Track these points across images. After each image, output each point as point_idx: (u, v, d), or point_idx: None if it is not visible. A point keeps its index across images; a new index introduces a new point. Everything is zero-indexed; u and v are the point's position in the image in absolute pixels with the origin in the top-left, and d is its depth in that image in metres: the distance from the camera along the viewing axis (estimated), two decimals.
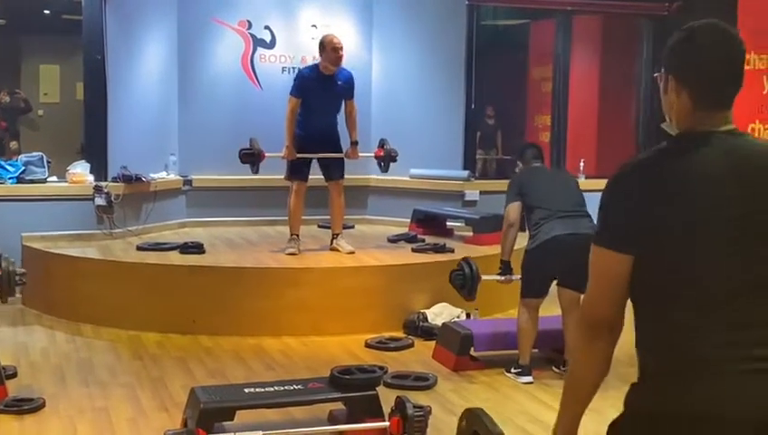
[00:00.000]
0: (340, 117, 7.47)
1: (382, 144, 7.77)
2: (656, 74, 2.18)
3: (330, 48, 7.19)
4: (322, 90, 7.24)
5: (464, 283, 6.10)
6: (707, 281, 1.96)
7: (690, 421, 1.94)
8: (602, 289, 2.07)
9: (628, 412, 2.06)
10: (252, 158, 7.44)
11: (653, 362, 2.02)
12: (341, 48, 7.24)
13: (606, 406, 2.10)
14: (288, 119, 7.24)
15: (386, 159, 7.73)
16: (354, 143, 7.45)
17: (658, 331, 2.01)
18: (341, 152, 7.47)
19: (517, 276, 5.89)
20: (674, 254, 1.97)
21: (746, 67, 7.22)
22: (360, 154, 7.59)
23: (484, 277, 6.09)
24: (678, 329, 1.97)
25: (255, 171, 7.52)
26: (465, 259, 6.23)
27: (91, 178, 7.94)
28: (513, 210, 5.75)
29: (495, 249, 6.57)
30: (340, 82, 7.31)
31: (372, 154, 7.87)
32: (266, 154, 7.44)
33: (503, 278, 6.05)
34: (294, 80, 7.42)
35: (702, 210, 1.96)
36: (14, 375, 5.54)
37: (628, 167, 2.09)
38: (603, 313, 2.06)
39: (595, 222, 2.17)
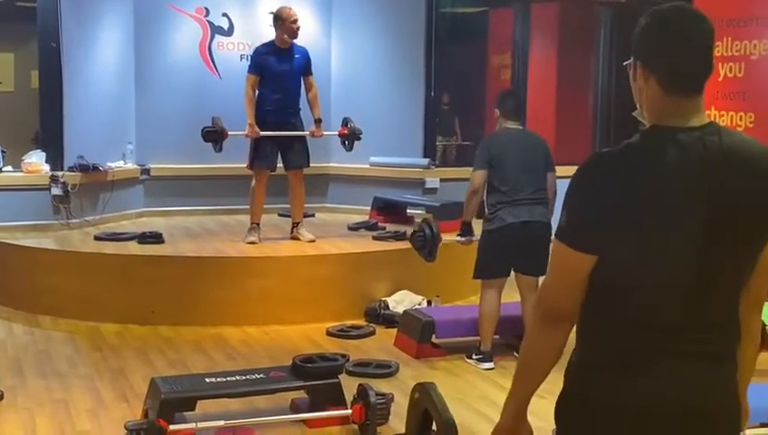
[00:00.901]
0: (303, 103, 7.42)
1: (346, 122, 7.72)
2: (625, 63, 2.12)
3: (289, 21, 7.19)
4: (279, 64, 7.21)
5: (424, 244, 6.04)
6: (662, 283, 1.98)
7: (633, 412, 1.99)
8: (562, 284, 2.05)
9: (572, 397, 2.09)
10: (215, 135, 7.36)
11: (599, 351, 2.04)
12: (298, 19, 7.27)
13: (557, 389, 2.12)
14: (247, 95, 7.19)
15: (350, 137, 7.65)
16: (318, 121, 7.41)
17: (608, 323, 2.03)
18: (305, 136, 7.43)
19: (478, 237, 5.90)
20: (633, 253, 1.97)
21: None
22: (325, 133, 7.56)
23: (445, 238, 6.06)
24: (628, 324, 2.00)
25: (219, 150, 7.43)
26: (426, 220, 6.20)
27: (47, 167, 7.84)
28: (480, 178, 5.70)
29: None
30: (297, 56, 7.29)
31: (336, 133, 7.79)
32: (229, 133, 7.36)
33: (464, 239, 6.00)
34: (251, 57, 7.41)
35: (667, 214, 1.94)
36: None
37: (595, 162, 2.04)
38: (561, 305, 2.05)
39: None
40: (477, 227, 5.97)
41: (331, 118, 8.70)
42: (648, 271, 1.98)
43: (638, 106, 2.10)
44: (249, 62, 7.41)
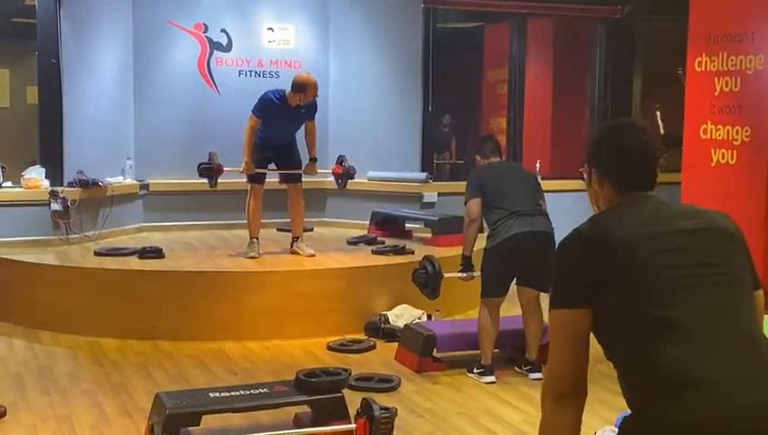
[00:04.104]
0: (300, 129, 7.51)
1: (341, 161, 7.80)
2: (581, 169, 2.40)
3: (311, 93, 7.16)
4: (285, 117, 7.26)
5: (426, 281, 6.10)
6: (661, 312, 2.06)
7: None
8: (566, 350, 2.13)
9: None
10: (210, 172, 7.43)
11: (644, 394, 2.06)
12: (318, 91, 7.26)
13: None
14: (247, 135, 7.22)
15: (344, 176, 7.78)
16: (313, 160, 7.49)
17: (639, 367, 2.07)
18: (300, 161, 7.52)
19: (478, 273, 5.94)
20: (623, 293, 2.08)
21: (698, 69, 7.32)
22: (319, 170, 7.64)
23: (446, 275, 6.10)
24: (652, 358, 2.04)
25: (214, 185, 7.50)
26: (428, 257, 6.23)
27: (46, 183, 7.85)
28: (475, 205, 5.78)
29: (455, 250, 6.62)
30: (303, 111, 7.30)
31: (330, 170, 7.91)
32: (225, 169, 7.44)
33: (464, 275, 6.07)
34: (260, 99, 7.26)
35: (641, 250, 2.10)
36: None
37: (575, 232, 2.23)
38: (569, 376, 2.12)
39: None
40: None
41: (328, 133, 8.80)
42: (647, 313, 2.06)
43: (593, 208, 2.36)
44: (257, 103, 7.25)
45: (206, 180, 7.54)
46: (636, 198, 2.25)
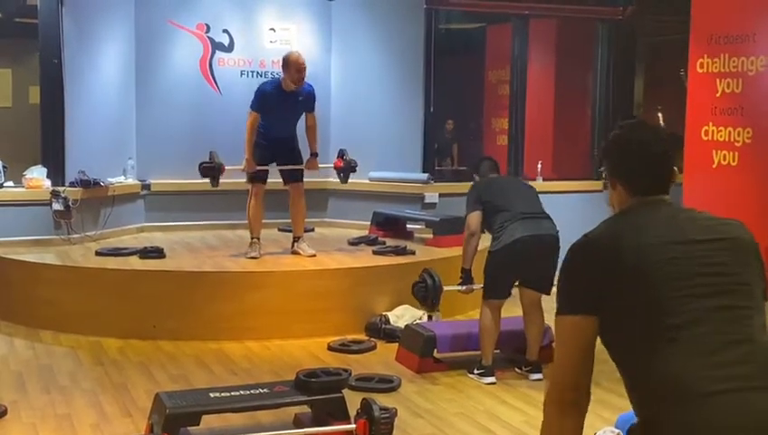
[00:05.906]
0: (301, 123, 7.49)
1: (342, 154, 7.78)
2: (601, 169, 2.37)
3: (294, 69, 7.12)
4: (283, 106, 7.24)
5: (426, 295, 6.12)
6: (672, 319, 2.05)
7: None
8: (571, 359, 2.13)
9: None
10: (212, 171, 7.40)
11: (653, 402, 2.06)
12: (305, 69, 7.17)
13: None
14: (248, 132, 7.21)
15: (345, 169, 7.76)
16: (314, 155, 7.47)
17: (648, 374, 2.06)
18: (301, 158, 7.50)
19: (478, 285, 5.94)
20: (638, 307, 2.07)
21: (700, 70, 7.29)
22: (320, 165, 7.63)
23: (446, 288, 6.11)
24: (662, 367, 2.03)
25: (215, 185, 7.48)
26: (427, 270, 6.21)
27: (48, 183, 7.86)
28: (475, 219, 5.79)
29: (456, 251, 6.62)
30: (301, 98, 7.29)
31: (332, 165, 7.90)
32: (226, 167, 7.42)
33: (464, 288, 6.10)
34: (255, 93, 7.28)
35: (654, 265, 2.08)
36: None
37: (583, 238, 2.23)
38: (573, 382, 2.12)
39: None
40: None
41: (330, 132, 8.80)
42: (651, 319, 2.06)
43: (612, 209, 2.35)
44: (253, 97, 7.28)
45: (207, 180, 7.51)
46: (649, 202, 2.23)
